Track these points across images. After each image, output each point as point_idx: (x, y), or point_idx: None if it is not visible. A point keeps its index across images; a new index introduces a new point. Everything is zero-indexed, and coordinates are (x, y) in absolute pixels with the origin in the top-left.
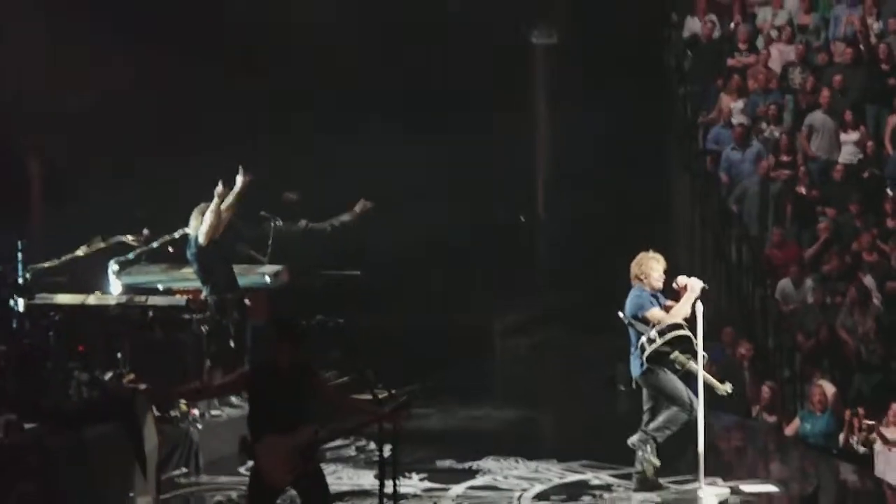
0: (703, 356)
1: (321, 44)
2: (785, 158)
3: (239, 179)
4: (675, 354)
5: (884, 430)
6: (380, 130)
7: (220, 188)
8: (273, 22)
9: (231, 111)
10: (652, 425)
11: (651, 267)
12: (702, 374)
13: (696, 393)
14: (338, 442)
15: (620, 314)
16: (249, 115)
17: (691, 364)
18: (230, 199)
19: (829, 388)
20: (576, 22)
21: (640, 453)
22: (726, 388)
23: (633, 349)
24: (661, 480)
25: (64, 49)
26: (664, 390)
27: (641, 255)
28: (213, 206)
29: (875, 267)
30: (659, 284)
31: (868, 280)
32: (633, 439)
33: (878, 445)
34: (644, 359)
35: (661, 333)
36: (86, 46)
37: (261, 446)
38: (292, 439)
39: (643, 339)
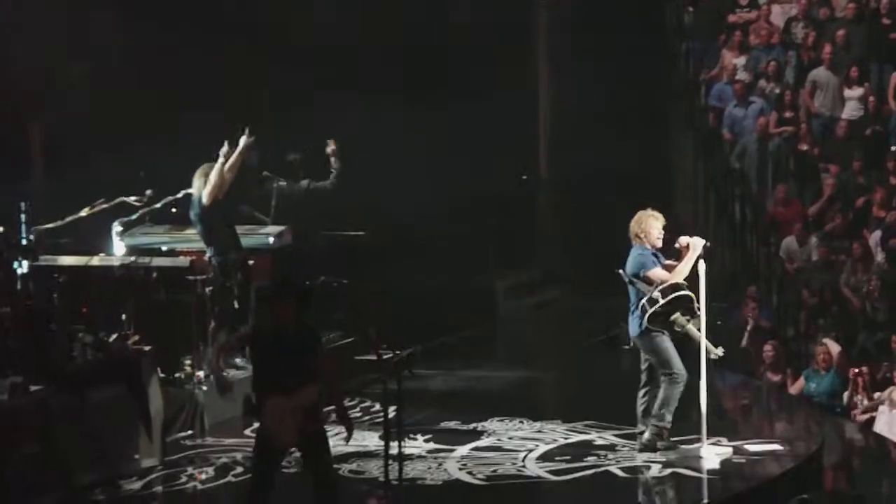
0: (704, 317)
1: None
2: (788, 115)
3: (242, 140)
4: (676, 316)
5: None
6: (380, 91)
7: (224, 148)
8: None
9: (233, 72)
10: (653, 413)
11: (650, 225)
12: (702, 336)
13: (695, 354)
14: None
15: (621, 272)
16: (252, 75)
17: (690, 327)
18: (233, 159)
19: (835, 348)
20: None
21: (659, 445)
22: (718, 351)
23: (632, 308)
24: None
25: (67, 16)
26: (658, 356)
27: (640, 214)
28: (217, 166)
29: (887, 224)
30: (659, 242)
31: (874, 237)
32: (645, 437)
33: (884, 406)
34: (645, 319)
35: (664, 294)
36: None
37: (265, 407)
38: (297, 400)
39: (644, 299)
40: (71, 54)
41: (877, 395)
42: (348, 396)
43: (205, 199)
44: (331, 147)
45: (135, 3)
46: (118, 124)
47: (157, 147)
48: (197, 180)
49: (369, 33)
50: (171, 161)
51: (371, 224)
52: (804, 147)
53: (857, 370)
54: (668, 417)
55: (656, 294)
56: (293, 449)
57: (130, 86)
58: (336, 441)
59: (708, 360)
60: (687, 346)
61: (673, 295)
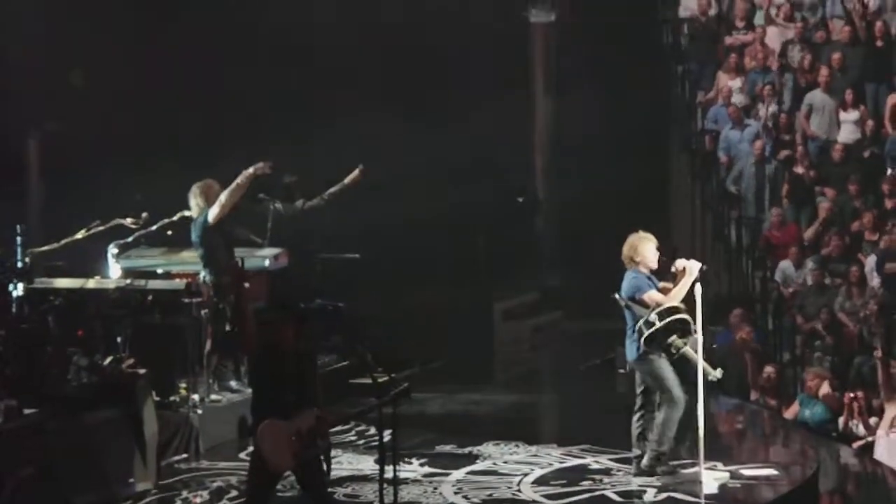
0: (699, 339)
1: (319, 20)
2: (785, 137)
3: (260, 164)
4: (673, 338)
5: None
6: (378, 110)
7: (247, 170)
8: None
9: (231, 98)
10: (652, 438)
11: (645, 247)
12: (700, 359)
13: (692, 376)
14: (337, 427)
15: (616, 296)
16: (249, 98)
17: (687, 349)
18: (242, 180)
19: (823, 384)
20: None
21: (658, 470)
22: (717, 373)
23: (628, 332)
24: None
25: (65, 32)
26: (656, 379)
27: (632, 237)
28: (232, 186)
29: (883, 248)
30: (654, 264)
31: (869, 261)
32: (644, 463)
33: (881, 430)
34: (641, 342)
35: (661, 316)
36: (85, 29)
37: (262, 430)
38: (294, 424)
39: (640, 322)
40: (66, 73)
41: (872, 420)
42: (343, 423)
43: (211, 219)
44: (352, 175)
45: (135, 23)
46: (114, 146)
47: (152, 169)
48: (193, 199)
49: (368, 53)
50: (166, 183)
51: (366, 246)
52: (800, 170)
53: (852, 395)
54: (667, 442)
55: (653, 317)
56: (288, 472)
57: (126, 107)
58: (332, 464)
59: (705, 383)
60: (684, 369)
61: (669, 318)
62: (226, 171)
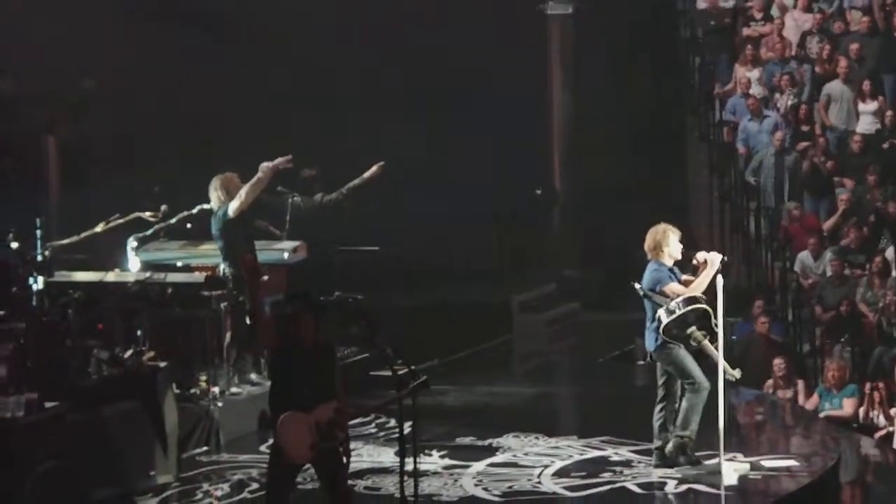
0: (720, 332)
1: (338, 19)
2: (804, 128)
3: (281, 158)
4: (692, 329)
5: None
6: (396, 105)
7: (266, 164)
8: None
9: (249, 93)
10: (678, 423)
11: (670, 239)
12: (720, 353)
13: (711, 369)
14: (358, 420)
15: (636, 286)
16: (270, 94)
17: (706, 343)
18: (265, 175)
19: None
20: None
21: (681, 459)
22: (736, 373)
23: (648, 322)
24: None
25: (85, 31)
26: (677, 367)
27: (656, 228)
28: (253, 180)
29: None
30: (678, 255)
31: (890, 252)
32: (668, 448)
33: None
34: (661, 331)
35: (681, 305)
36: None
37: (282, 423)
38: (314, 416)
39: (661, 310)
40: (84, 69)
41: (893, 410)
42: (362, 415)
43: (231, 213)
44: (372, 170)
45: (151, 18)
46: (133, 139)
47: (172, 162)
48: (214, 192)
49: (382, 49)
50: (186, 176)
51: (387, 239)
52: (820, 160)
53: (872, 386)
54: (693, 427)
55: (673, 305)
56: (308, 465)
57: (145, 101)
58: (352, 457)
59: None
60: (703, 364)
61: (690, 307)
62: (249, 163)
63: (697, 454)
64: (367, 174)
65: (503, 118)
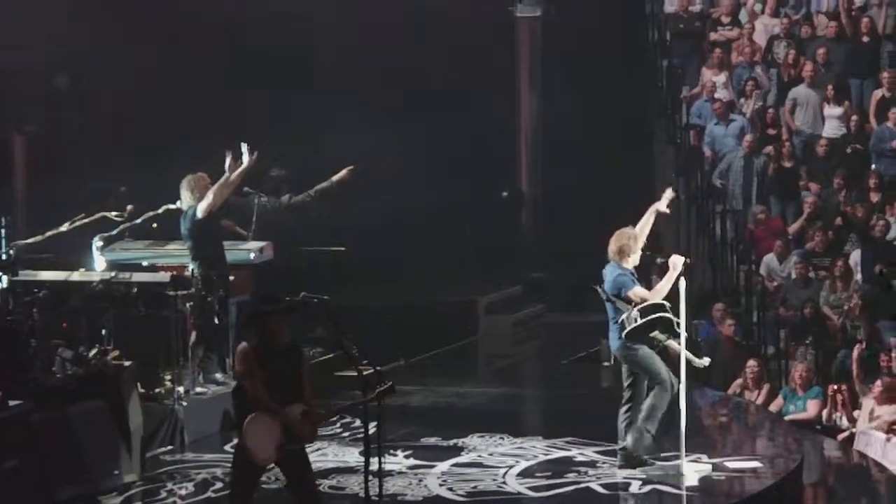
0: (684, 334)
1: (305, 16)
2: (770, 132)
3: (246, 157)
4: (655, 333)
5: (864, 401)
6: (362, 106)
7: (229, 161)
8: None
9: (218, 91)
10: (641, 417)
11: (633, 247)
12: (683, 351)
13: (676, 369)
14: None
15: (598, 289)
16: (237, 92)
17: (670, 342)
18: (235, 176)
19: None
20: None
21: (638, 454)
22: (703, 361)
23: (611, 324)
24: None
25: (54, 28)
26: (642, 367)
27: (622, 232)
28: (222, 180)
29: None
30: (637, 261)
31: (854, 255)
32: (627, 442)
33: (860, 423)
34: (623, 335)
35: (643, 314)
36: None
37: (248, 424)
38: (280, 417)
39: (623, 316)
40: (53, 66)
41: (856, 413)
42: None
43: (200, 213)
44: (340, 174)
45: (123, 13)
46: (100, 138)
47: (138, 161)
48: (185, 192)
49: (351, 53)
50: (151, 176)
51: (352, 239)
52: (786, 164)
53: (836, 388)
54: (654, 425)
55: (635, 313)
56: (272, 465)
57: (112, 99)
58: (317, 457)
59: (692, 373)
60: (666, 363)
61: (652, 316)
62: (216, 165)
63: (662, 454)
64: (335, 177)
65: (470, 120)
